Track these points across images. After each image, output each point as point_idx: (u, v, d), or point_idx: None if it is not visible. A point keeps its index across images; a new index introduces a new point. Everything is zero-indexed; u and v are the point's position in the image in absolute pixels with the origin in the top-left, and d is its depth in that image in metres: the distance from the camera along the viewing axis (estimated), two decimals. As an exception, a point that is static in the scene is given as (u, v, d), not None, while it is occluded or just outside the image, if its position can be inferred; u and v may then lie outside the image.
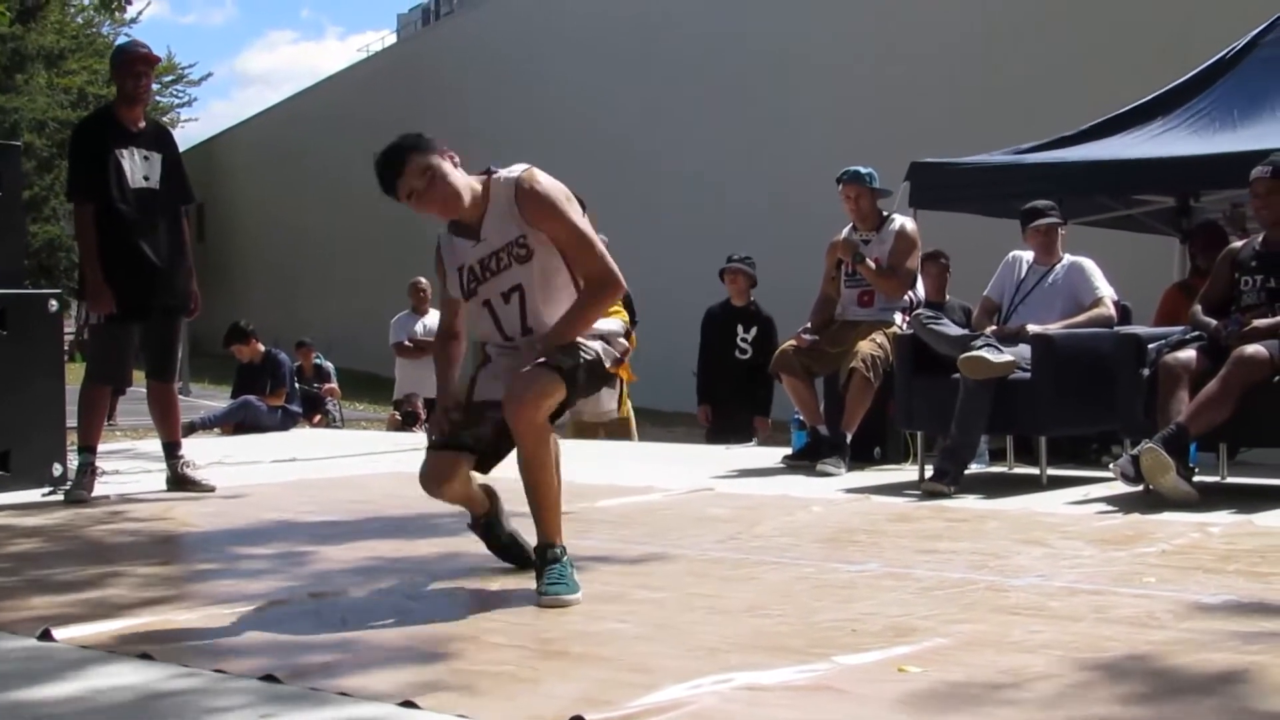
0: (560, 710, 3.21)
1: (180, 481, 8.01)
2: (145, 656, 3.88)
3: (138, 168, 7.75)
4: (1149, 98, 11.14)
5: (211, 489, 7.97)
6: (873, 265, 8.68)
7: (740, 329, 11.36)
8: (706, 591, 4.78)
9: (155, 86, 45.68)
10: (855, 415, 8.43)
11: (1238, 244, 7.69)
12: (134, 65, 7.83)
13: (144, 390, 8.10)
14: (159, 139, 7.98)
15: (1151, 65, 14.41)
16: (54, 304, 8.06)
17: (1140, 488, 6.80)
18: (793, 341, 8.74)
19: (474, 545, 5.83)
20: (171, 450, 8.07)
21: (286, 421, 14.12)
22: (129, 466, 9.41)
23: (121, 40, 40.82)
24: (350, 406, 22.84)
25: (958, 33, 22.59)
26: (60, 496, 7.66)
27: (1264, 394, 6.73)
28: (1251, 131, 9.80)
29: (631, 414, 11.63)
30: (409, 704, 3.34)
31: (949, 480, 7.35)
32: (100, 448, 8.03)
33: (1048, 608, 4.39)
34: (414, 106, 40.55)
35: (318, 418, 15.97)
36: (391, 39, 50.74)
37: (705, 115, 27.65)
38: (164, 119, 47.53)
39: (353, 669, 3.70)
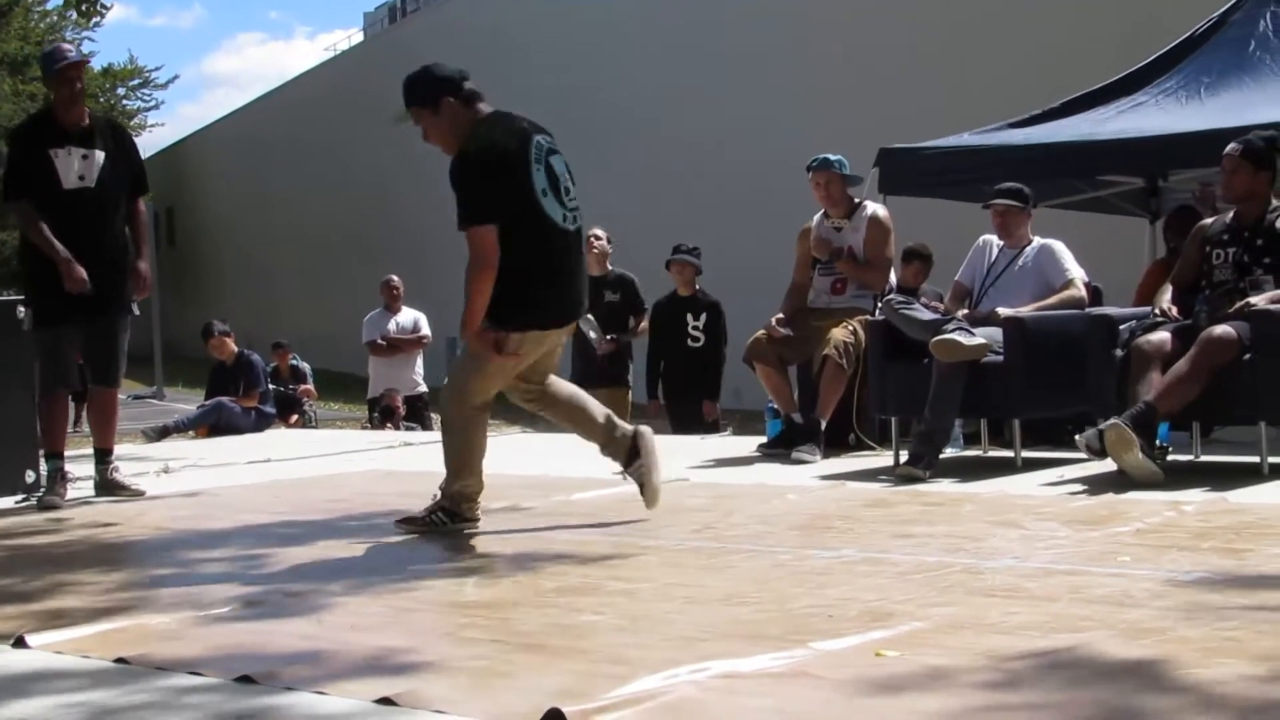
0: (537, 704, 3.20)
1: (109, 486, 7.93)
2: (121, 661, 3.86)
3: (73, 167, 7.64)
4: (1117, 77, 11.16)
5: (141, 493, 7.94)
6: (849, 261, 8.68)
7: (690, 317, 11.43)
8: (683, 581, 4.78)
9: (121, 90, 45.43)
10: (829, 402, 8.42)
11: (1208, 220, 7.72)
12: (65, 72, 7.68)
13: (134, 393, 8.03)
14: (102, 136, 7.83)
15: (1120, 49, 14.42)
16: (20, 310, 7.97)
17: (1106, 462, 6.81)
18: (765, 330, 8.73)
19: (448, 542, 5.85)
20: (103, 456, 8.00)
21: (261, 423, 14.08)
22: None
23: (87, 44, 40.19)
24: (326, 406, 22.81)
25: (927, 18, 22.63)
26: (33, 503, 7.63)
27: (1234, 373, 6.75)
28: (1219, 109, 9.81)
29: (628, 402, 11.67)
30: (386, 701, 3.33)
31: (924, 465, 7.36)
32: (72, 453, 7.99)
33: (1024, 589, 4.39)
34: (382, 103, 40.48)
35: (294, 418, 15.93)
36: (359, 37, 50.69)
37: (673, 110, 27.61)
38: (130, 123, 47.51)
39: (328, 667, 3.69)
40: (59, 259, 7.53)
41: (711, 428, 11.16)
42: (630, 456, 6.06)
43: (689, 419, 11.38)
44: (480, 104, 6.17)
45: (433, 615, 4.39)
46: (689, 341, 11.46)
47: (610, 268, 11.57)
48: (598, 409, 6.23)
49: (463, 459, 6.10)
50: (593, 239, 11.47)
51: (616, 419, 6.19)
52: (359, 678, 3.56)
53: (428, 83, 6.18)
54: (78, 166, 7.66)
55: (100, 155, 7.73)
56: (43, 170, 7.61)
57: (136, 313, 8.06)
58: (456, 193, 5.91)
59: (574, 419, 6.27)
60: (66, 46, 7.85)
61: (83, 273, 7.51)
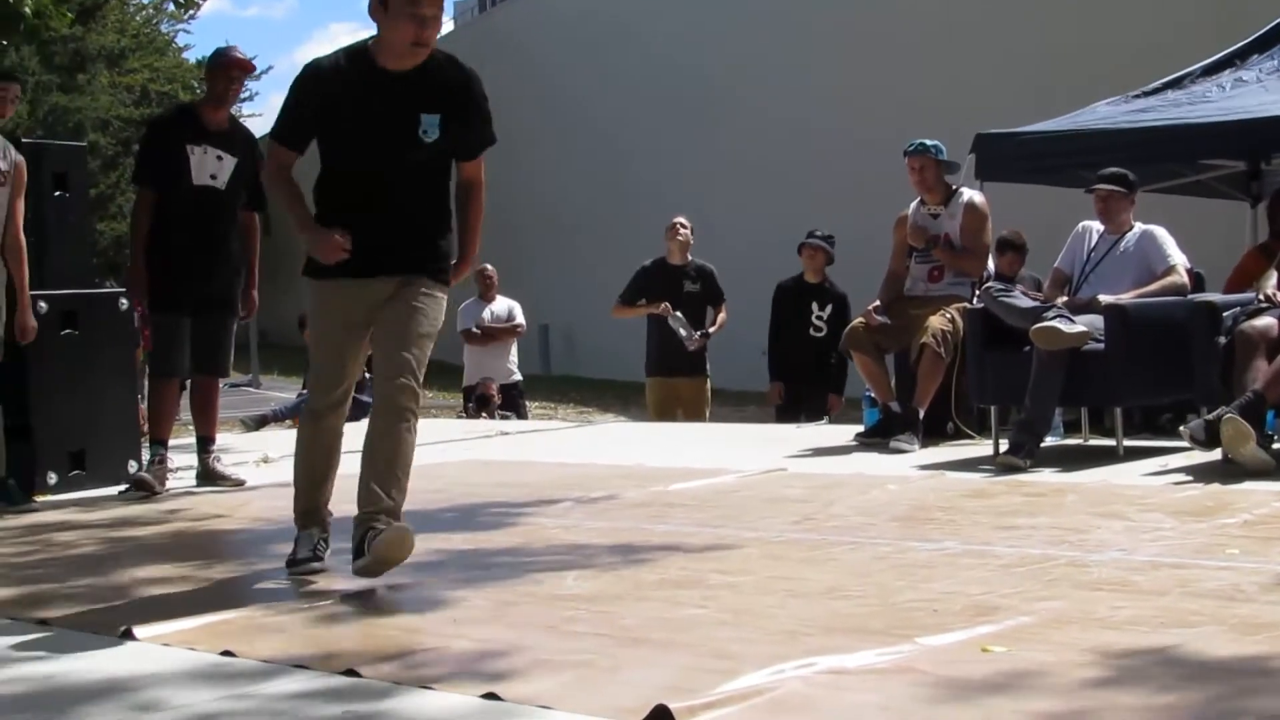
0: (644, 698, 3.19)
1: (210, 476, 8.08)
2: (227, 653, 3.90)
3: (206, 165, 7.84)
4: (1214, 57, 11.00)
5: (242, 483, 8.08)
6: (946, 249, 8.65)
7: (815, 306, 11.23)
8: (784, 574, 4.76)
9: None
10: (927, 391, 8.37)
11: (1316, 206, 7.59)
12: (229, 69, 7.97)
13: (230, 381, 8.20)
14: (238, 143, 8.03)
15: (1216, 30, 14.21)
16: (123, 303, 8.11)
17: (1211, 453, 6.72)
18: (863, 319, 8.68)
19: (547, 534, 5.84)
20: (205, 445, 8.15)
21: (357, 412, 13.98)
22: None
23: (182, 36, 40.72)
24: (423, 394, 22.89)
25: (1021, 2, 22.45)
26: (136, 493, 7.72)
27: (1345, 359, 6.65)
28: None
29: (708, 391, 11.67)
30: (491, 695, 3.34)
31: (1024, 454, 7.28)
32: (172, 442, 8.10)
33: (1131, 582, 4.34)
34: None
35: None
36: (449, 26, 50.83)
37: (775, 88, 27.48)
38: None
39: (434, 662, 3.70)
40: (135, 258, 7.91)
41: (817, 414, 11.04)
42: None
43: (800, 408, 11.26)
44: None
45: (535, 608, 4.39)
46: (811, 330, 11.24)
47: (690, 258, 11.50)
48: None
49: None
50: (679, 227, 11.44)
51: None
52: (464, 672, 3.57)
53: None
54: (211, 166, 7.87)
55: (233, 161, 7.93)
56: (176, 163, 7.80)
57: (242, 315, 8.25)
58: (484, 111, 5.15)
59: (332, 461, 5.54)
60: (237, 48, 8.06)
61: (143, 283, 7.85)
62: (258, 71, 53.50)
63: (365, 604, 4.60)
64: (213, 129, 7.90)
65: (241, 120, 8.66)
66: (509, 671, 3.55)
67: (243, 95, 43.48)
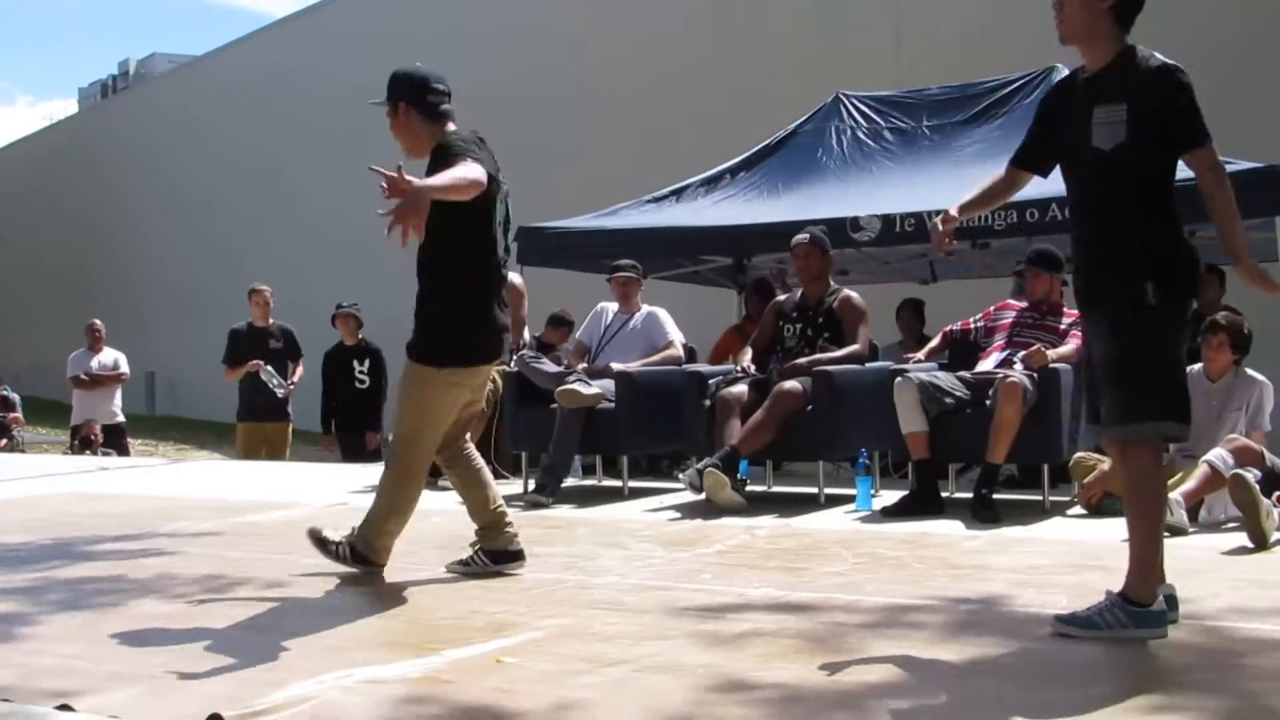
0: (201, 708, 3.10)
1: None
2: None
3: None
4: (711, 172, 11.39)
5: None
6: None
7: (356, 364, 11.34)
8: (334, 596, 4.69)
9: None
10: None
11: (782, 297, 7.98)
12: None
13: None
14: None
15: (712, 144, 14.74)
16: None
17: (703, 495, 6.96)
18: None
19: (135, 561, 5.60)
20: None
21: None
22: None
23: None
24: (35, 430, 21.70)
25: (593, 120, 22.86)
26: None
27: (800, 420, 6.99)
28: (791, 205, 10.13)
29: (289, 433, 11.62)
30: (65, 708, 3.17)
31: (548, 493, 7.39)
32: None
33: (623, 602, 4.44)
34: (95, 165, 39.15)
35: (3, 442, 15.12)
36: (74, 109, 48.78)
37: (350, 161, 27.25)
38: None
39: (14, 678, 3.49)
40: None
41: (374, 455, 11.03)
42: (501, 557, 5.07)
43: (356, 447, 11.31)
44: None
45: (116, 627, 4.18)
46: (356, 384, 11.36)
47: (271, 320, 11.51)
48: (494, 495, 5.19)
49: (395, 504, 5.10)
50: (262, 292, 11.51)
51: (508, 515, 5.15)
52: (40, 686, 3.38)
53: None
54: None
55: None
56: None
57: None
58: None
59: (469, 489, 5.25)
60: None
61: None
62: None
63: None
64: None
65: None
66: (86, 686, 3.37)
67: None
